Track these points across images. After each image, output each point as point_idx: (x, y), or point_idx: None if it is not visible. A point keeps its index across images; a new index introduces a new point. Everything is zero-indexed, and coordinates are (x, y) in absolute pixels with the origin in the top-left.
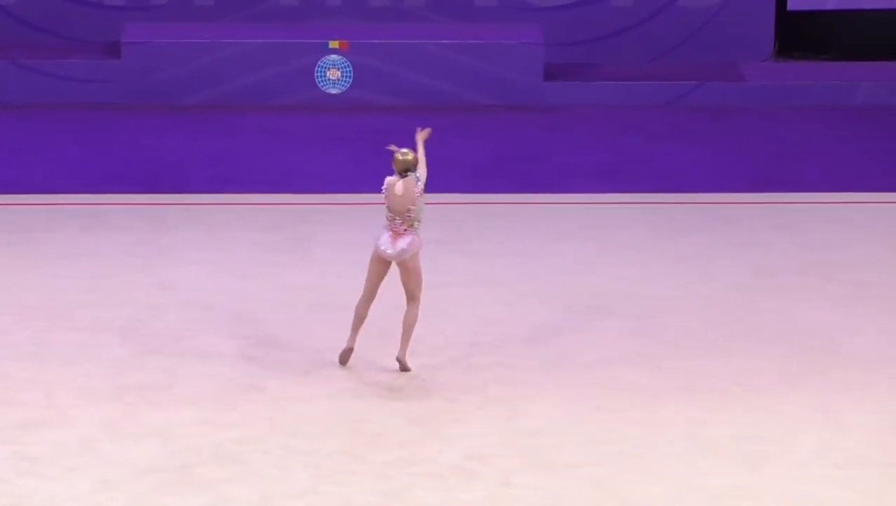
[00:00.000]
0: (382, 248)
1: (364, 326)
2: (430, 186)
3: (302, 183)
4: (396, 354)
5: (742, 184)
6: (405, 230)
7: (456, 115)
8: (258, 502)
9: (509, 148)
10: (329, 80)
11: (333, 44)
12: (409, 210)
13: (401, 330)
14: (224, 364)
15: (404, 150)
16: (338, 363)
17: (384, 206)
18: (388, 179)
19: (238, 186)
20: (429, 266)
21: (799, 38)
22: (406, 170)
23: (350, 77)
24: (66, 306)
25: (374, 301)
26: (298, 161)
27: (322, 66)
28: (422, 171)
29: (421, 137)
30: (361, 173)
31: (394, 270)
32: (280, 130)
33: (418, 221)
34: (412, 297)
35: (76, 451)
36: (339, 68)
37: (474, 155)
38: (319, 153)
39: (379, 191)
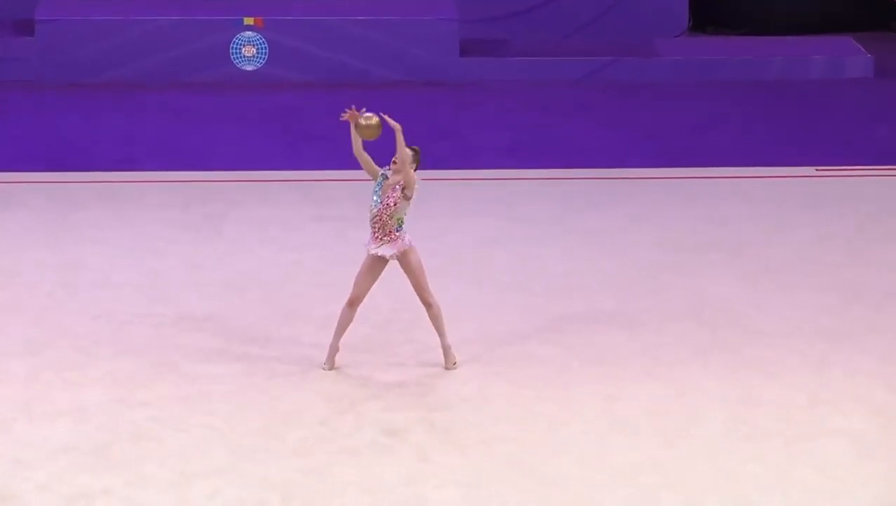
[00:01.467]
0: (372, 249)
1: (276, 305)
2: (339, 163)
3: (214, 161)
4: (441, 344)
5: (650, 159)
6: (384, 238)
7: (370, 92)
8: (176, 481)
9: (422, 124)
10: (244, 56)
11: (248, 20)
12: (386, 224)
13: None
14: (138, 343)
15: (367, 114)
16: (323, 368)
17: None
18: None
19: (148, 165)
20: (338, 244)
21: (713, 13)
22: (374, 137)
23: (265, 54)
24: None
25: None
26: (211, 139)
27: (237, 43)
28: (407, 174)
29: (389, 121)
30: (274, 151)
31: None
32: (193, 108)
33: (400, 225)
34: (424, 301)
35: None
36: (254, 45)
37: (387, 131)
38: (233, 131)
39: (288, 168)
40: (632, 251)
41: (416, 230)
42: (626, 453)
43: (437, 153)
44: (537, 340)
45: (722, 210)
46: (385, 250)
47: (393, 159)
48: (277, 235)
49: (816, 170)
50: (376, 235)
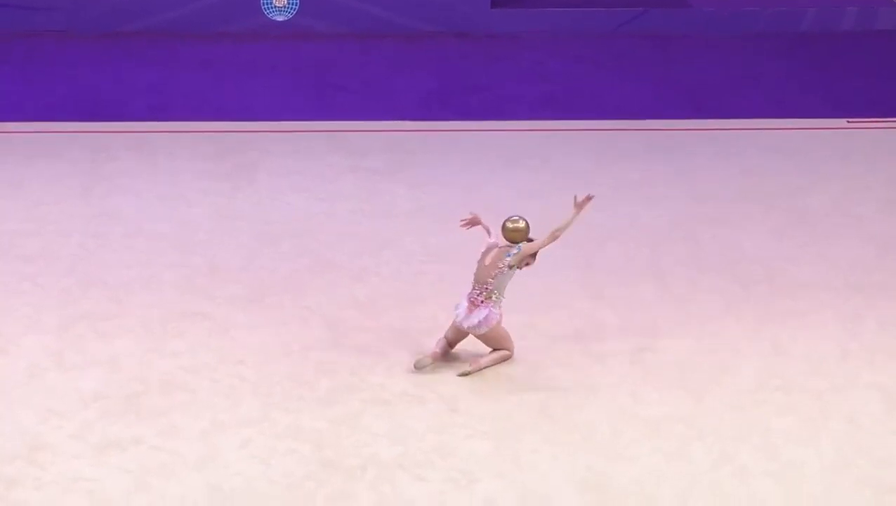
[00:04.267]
0: (458, 319)
1: (308, 255)
2: (375, 113)
3: (245, 111)
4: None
5: (683, 111)
6: (482, 302)
7: (401, 43)
8: (207, 430)
9: (455, 76)
10: (275, 7)
11: None
12: (487, 283)
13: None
14: (171, 293)
15: (515, 217)
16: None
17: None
18: (489, 243)
19: (180, 115)
20: (370, 195)
21: None
22: (515, 241)
23: (297, 4)
24: (10, 235)
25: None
26: (242, 89)
27: None
28: (560, 230)
29: (581, 205)
30: (305, 102)
31: None
32: (225, 58)
33: (498, 294)
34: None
35: (22, 381)
36: None
37: (419, 83)
38: (264, 81)
39: (322, 118)
40: (665, 203)
41: (456, 180)
42: (657, 406)
43: (471, 104)
44: (570, 292)
45: (754, 162)
46: (475, 317)
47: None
48: (310, 185)
49: (848, 122)
50: (474, 297)
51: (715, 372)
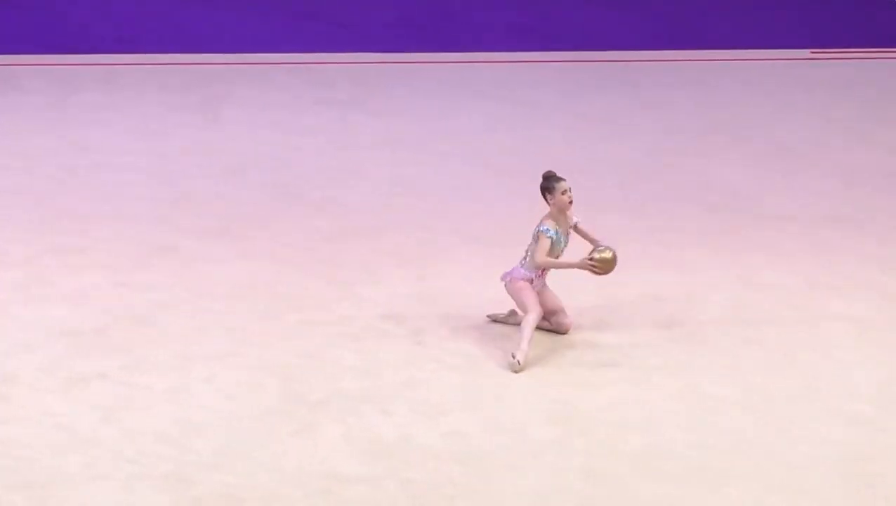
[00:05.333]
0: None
1: (278, 188)
2: (339, 45)
3: (214, 43)
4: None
5: (651, 42)
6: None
7: None
8: (175, 365)
9: (422, 6)
10: None
11: None
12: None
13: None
14: (139, 226)
15: (601, 246)
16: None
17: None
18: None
19: (147, 47)
20: (340, 128)
21: None
22: (609, 272)
23: None
24: None
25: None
26: (210, 22)
27: None
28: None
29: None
30: (273, 34)
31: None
32: None
33: (530, 259)
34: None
35: None
36: None
37: (386, 13)
38: (232, 14)
39: (290, 50)
40: (636, 135)
41: (424, 111)
42: (623, 335)
43: (439, 35)
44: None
45: (723, 94)
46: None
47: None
48: (278, 117)
49: (811, 52)
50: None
51: (683, 302)
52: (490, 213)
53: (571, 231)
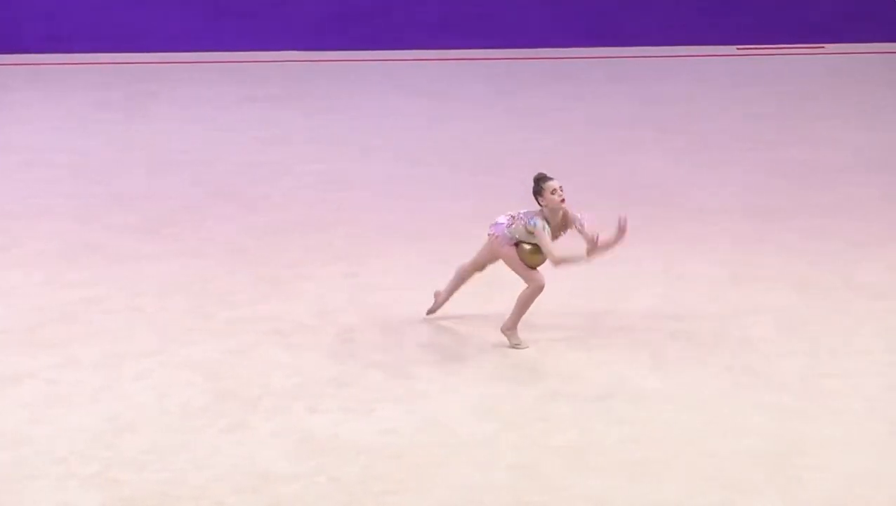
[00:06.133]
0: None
1: (206, 184)
2: (267, 42)
3: (140, 41)
4: (501, 326)
5: (579, 38)
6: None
7: None
8: (104, 363)
9: (350, 3)
10: None
11: None
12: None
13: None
14: (68, 224)
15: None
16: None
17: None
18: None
19: (74, 45)
20: (268, 124)
21: None
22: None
23: None
24: None
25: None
26: (136, 19)
27: None
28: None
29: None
30: (200, 32)
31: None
32: None
33: (511, 233)
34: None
35: None
36: None
37: (314, 10)
38: (159, 11)
39: (218, 48)
40: (564, 130)
41: (353, 107)
42: (550, 330)
43: (368, 32)
44: (471, 219)
45: (650, 88)
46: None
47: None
48: (207, 114)
49: (737, 49)
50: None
51: (610, 296)
52: (420, 209)
53: (565, 232)
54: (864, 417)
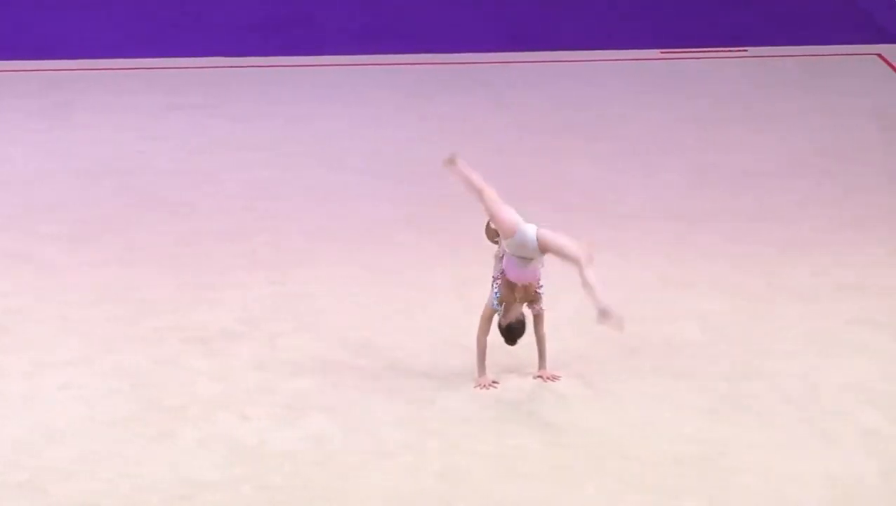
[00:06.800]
0: None
1: (131, 192)
2: (190, 49)
3: (63, 49)
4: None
5: (502, 43)
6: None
7: None
8: (28, 371)
9: (273, 9)
10: None
11: None
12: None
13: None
14: None
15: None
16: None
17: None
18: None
19: None
20: (192, 132)
21: None
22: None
23: None
24: None
25: None
26: (58, 26)
27: None
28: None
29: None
30: (123, 39)
31: None
32: None
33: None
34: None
35: None
36: None
37: (238, 16)
38: (80, 18)
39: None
40: (488, 136)
41: (276, 114)
42: (475, 337)
43: (292, 38)
44: (395, 225)
45: (574, 93)
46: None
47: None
48: (131, 122)
49: (661, 52)
50: None
51: None
52: (344, 215)
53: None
54: (792, 419)
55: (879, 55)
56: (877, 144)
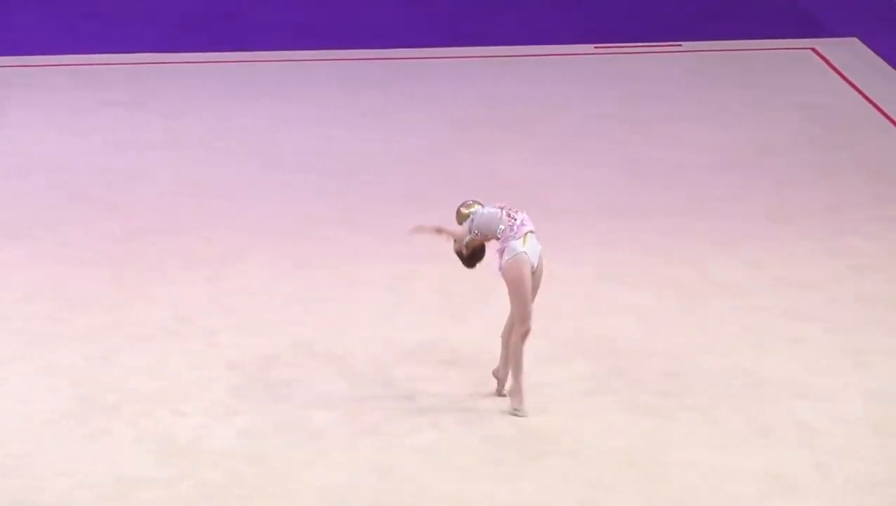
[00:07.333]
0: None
1: (63, 189)
2: (120, 46)
3: None
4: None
5: (434, 38)
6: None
7: None
8: None
9: (203, 5)
10: None
11: None
12: None
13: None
14: None
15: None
16: None
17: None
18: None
19: None
20: (121, 128)
21: None
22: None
23: None
24: None
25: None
26: None
27: None
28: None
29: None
30: (52, 35)
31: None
32: None
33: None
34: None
35: None
36: None
37: (168, 13)
38: (9, 14)
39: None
40: (420, 131)
41: (207, 111)
42: (415, 332)
43: (223, 34)
44: (328, 221)
45: (509, 89)
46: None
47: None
48: (61, 119)
49: (595, 48)
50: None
51: (473, 297)
52: (277, 211)
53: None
54: (728, 413)
55: (813, 49)
56: (810, 139)
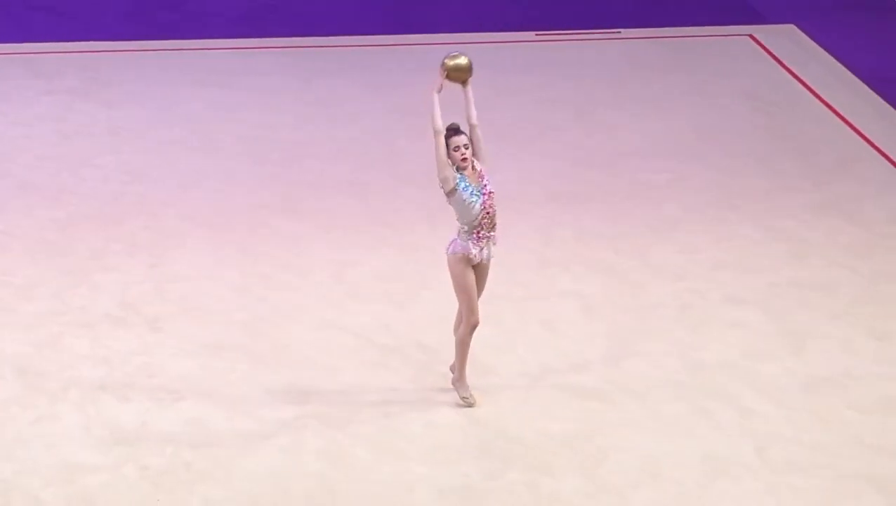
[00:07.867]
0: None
1: (7, 178)
2: (64, 34)
3: None
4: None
5: (377, 26)
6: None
7: None
8: None
9: None
10: None
11: None
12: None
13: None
14: None
15: (454, 53)
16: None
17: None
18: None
19: None
20: (68, 116)
21: None
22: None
23: None
24: None
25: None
26: None
27: None
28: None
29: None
30: (5, 22)
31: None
32: None
33: (460, 224)
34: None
35: None
36: None
37: (113, 1)
38: None
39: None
40: (365, 119)
41: (151, 99)
42: (358, 316)
43: (168, 22)
44: (271, 208)
45: None
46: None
47: (463, 154)
48: (4, 108)
49: (536, 35)
50: (482, 234)
51: (417, 283)
52: (220, 199)
53: (484, 179)
54: (666, 397)
55: (751, 36)
56: (748, 125)
